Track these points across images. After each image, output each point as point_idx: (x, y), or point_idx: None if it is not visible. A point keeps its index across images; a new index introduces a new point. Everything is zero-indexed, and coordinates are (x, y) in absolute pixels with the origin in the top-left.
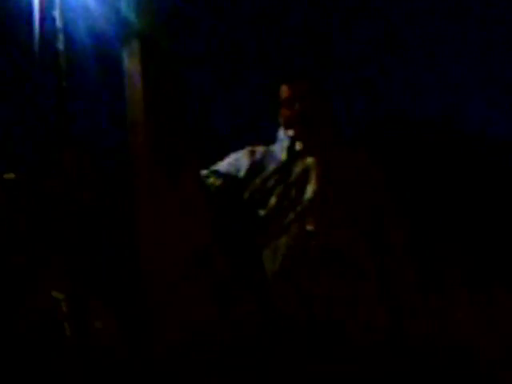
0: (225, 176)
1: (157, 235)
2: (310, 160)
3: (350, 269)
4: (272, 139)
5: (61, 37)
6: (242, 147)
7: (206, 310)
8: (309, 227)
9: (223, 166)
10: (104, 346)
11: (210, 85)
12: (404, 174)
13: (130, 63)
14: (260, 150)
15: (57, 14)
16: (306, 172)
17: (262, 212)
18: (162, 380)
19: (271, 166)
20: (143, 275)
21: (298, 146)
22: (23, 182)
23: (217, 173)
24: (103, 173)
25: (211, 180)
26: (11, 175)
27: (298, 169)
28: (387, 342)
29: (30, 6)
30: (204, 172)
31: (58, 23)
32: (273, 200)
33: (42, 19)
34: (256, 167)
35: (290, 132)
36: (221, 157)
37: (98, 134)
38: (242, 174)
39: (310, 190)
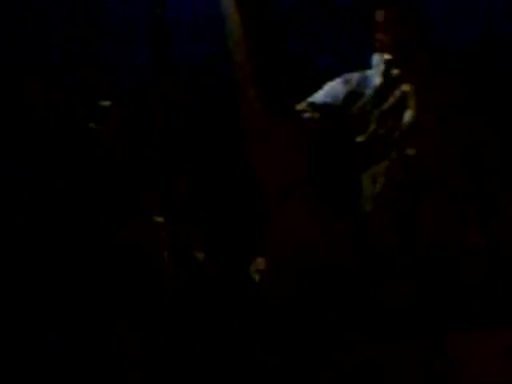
0: (322, 107)
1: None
2: (407, 86)
3: (450, 192)
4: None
5: None
6: (338, 76)
7: (308, 231)
8: (409, 151)
9: (320, 97)
10: (202, 276)
11: (303, 12)
12: (498, 96)
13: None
14: (355, 76)
15: None
16: (403, 98)
17: (360, 138)
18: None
19: (368, 92)
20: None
21: (395, 71)
22: (119, 108)
23: (314, 105)
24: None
25: (309, 114)
26: (107, 102)
27: (395, 95)
28: (487, 266)
29: None
30: (301, 105)
31: None
32: (371, 126)
33: None
34: (353, 94)
35: (386, 56)
36: (318, 87)
37: (194, 61)
38: (339, 102)
39: (408, 115)
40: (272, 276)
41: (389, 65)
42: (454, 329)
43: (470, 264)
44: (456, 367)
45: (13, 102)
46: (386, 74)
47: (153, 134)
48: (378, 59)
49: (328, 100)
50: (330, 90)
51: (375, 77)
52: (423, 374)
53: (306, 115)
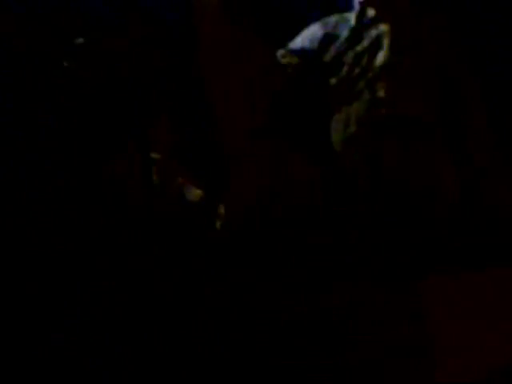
0: (300, 52)
1: (225, 99)
2: (382, 27)
3: (422, 135)
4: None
5: None
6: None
7: (273, 173)
8: (379, 94)
9: (298, 41)
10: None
11: None
12: (479, 33)
13: None
14: (333, 19)
15: None
16: (378, 39)
17: (333, 80)
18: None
19: (343, 34)
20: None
21: (371, 12)
22: (92, 45)
23: (292, 51)
24: (168, 36)
25: (287, 59)
26: (81, 40)
27: (370, 35)
28: (460, 209)
29: None
30: (281, 51)
31: None
32: (344, 68)
33: None
34: (329, 37)
35: None
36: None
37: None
38: (315, 46)
39: (381, 56)
40: (237, 225)
41: (364, 5)
42: (426, 272)
43: (442, 205)
44: (426, 310)
45: None
46: (360, 15)
47: (127, 70)
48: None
49: (306, 44)
50: (308, 34)
51: (352, 18)
52: (394, 317)
53: (285, 61)
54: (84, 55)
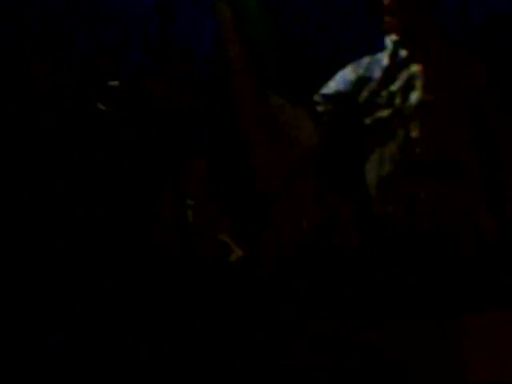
0: (334, 98)
1: (261, 140)
2: (415, 67)
3: (457, 176)
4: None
5: None
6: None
7: (311, 213)
8: (413, 134)
9: (331, 86)
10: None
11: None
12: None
13: None
14: (365, 60)
15: None
16: (411, 79)
17: (367, 121)
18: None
19: (376, 75)
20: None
21: (403, 52)
22: (128, 88)
23: (325, 96)
24: (202, 78)
25: (322, 106)
26: (116, 83)
27: (403, 76)
28: (497, 250)
29: None
30: (314, 97)
31: None
32: (378, 108)
33: None
34: (362, 79)
35: (393, 37)
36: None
37: (197, 42)
38: (349, 89)
39: (414, 96)
40: (275, 262)
41: (396, 46)
42: (465, 310)
43: (478, 245)
44: (467, 351)
45: (20, 85)
46: (393, 55)
47: (162, 114)
48: (388, 41)
49: (340, 88)
50: (341, 78)
51: (384, 59)
52: (434, 355)
53: (320, 108)
54: (119, 98)
